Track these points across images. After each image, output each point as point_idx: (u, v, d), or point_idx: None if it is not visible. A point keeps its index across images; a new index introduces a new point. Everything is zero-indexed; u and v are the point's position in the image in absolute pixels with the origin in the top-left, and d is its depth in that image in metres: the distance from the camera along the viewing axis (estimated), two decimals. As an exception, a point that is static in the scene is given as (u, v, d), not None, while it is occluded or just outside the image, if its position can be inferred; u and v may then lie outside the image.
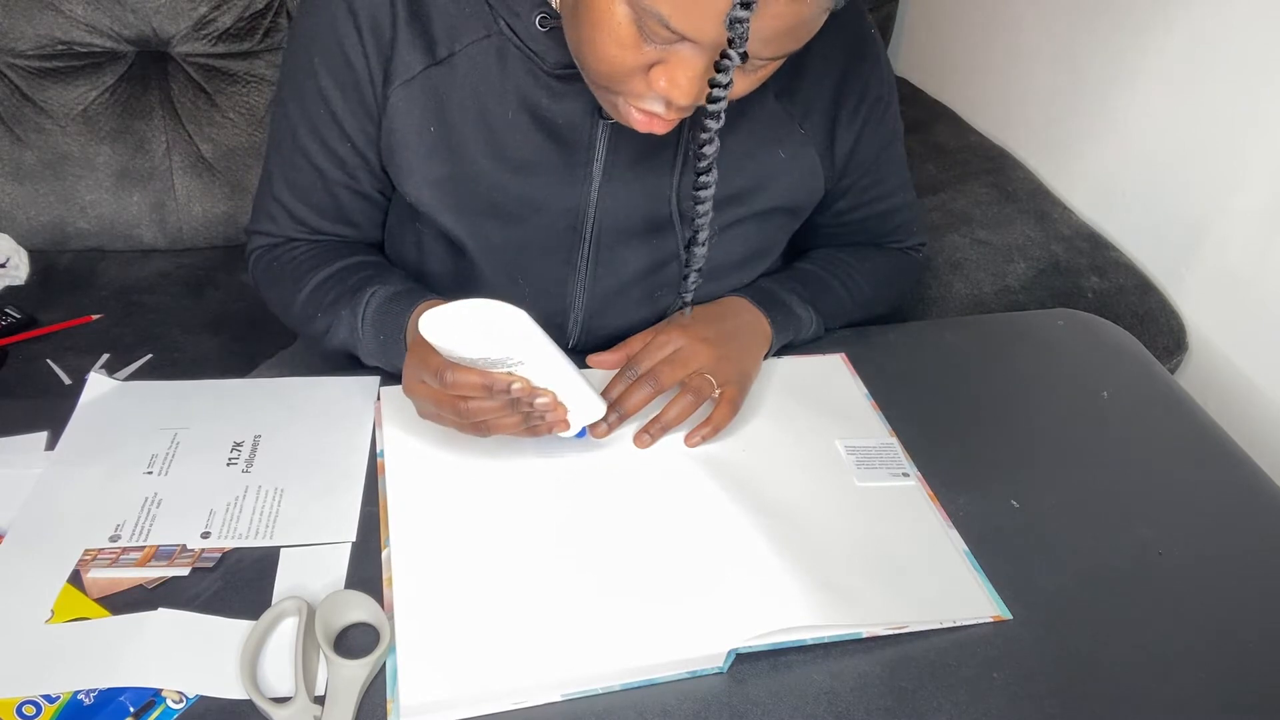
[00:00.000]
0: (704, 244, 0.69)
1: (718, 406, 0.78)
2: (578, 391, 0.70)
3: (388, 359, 0.78)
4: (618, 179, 0.78)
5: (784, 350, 0.88)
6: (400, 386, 0.79)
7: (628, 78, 0.61)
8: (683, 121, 0.69)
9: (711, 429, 0.78)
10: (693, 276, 0.73)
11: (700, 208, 0.66)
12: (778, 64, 0.62)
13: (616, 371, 0.80)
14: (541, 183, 0.78)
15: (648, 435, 0.77)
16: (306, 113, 0.78)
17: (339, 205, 0.83)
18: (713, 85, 0.58)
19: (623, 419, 0.77)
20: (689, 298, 0.75)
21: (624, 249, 0.82)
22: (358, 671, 0.59)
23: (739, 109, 0.76)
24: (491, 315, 0.64)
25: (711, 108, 0.59)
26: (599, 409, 0.73)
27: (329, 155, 0.80)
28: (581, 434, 0.75)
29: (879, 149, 0.88)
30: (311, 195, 0.83)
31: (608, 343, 0.83)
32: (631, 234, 0.81)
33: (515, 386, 0.66)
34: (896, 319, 1.17)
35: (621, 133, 0.76)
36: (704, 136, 0.61)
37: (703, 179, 0.65)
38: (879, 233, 0.96)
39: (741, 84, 0.62)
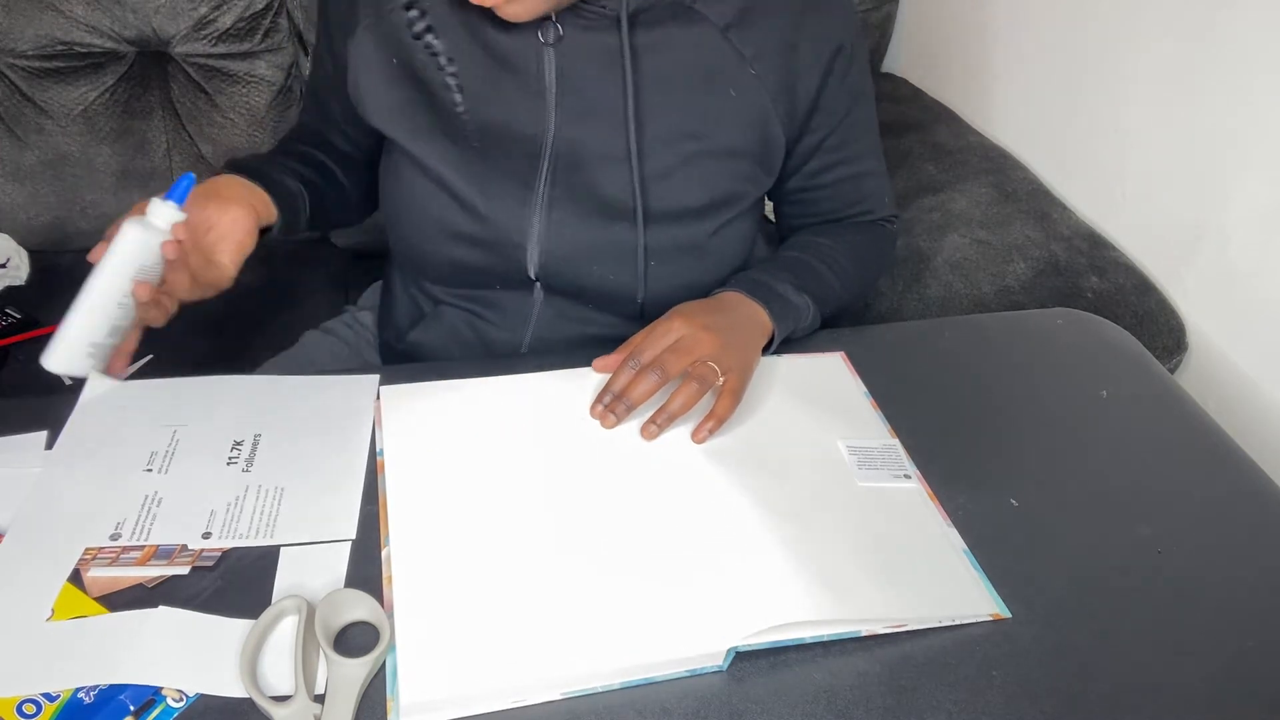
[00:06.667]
0: None
1: (720, 397, 0.78)
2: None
3: None
4: (572, 108, 0.81)
5: (784, 346, 0.88)
6: (399, 386, 0.80)
7: None
8: (624, 48, 0.78)
9: (716, 421, 0.77)
10: None
11: None
12: None
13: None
14: (498, 110, 0.82)
15: (654, 426, 0.77)
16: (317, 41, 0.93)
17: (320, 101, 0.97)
18: None
19: (630, 410, 0.77)
20: None
21: (581, 177, 0.84)
22: (358, 670, 0.59)
23: (686, 41, 0.81)
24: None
25: None
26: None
27: (318, 62, 0.94)
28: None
29: (847, 105, 0.88)
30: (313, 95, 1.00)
31: (566, 275, 0.86)
32: (588, 162, 0.83)
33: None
34: (896, 318, 1.18)
35: (566, 59, 0.80)
36: None
37: None
38: (851, 200, 0.97)
39: None
